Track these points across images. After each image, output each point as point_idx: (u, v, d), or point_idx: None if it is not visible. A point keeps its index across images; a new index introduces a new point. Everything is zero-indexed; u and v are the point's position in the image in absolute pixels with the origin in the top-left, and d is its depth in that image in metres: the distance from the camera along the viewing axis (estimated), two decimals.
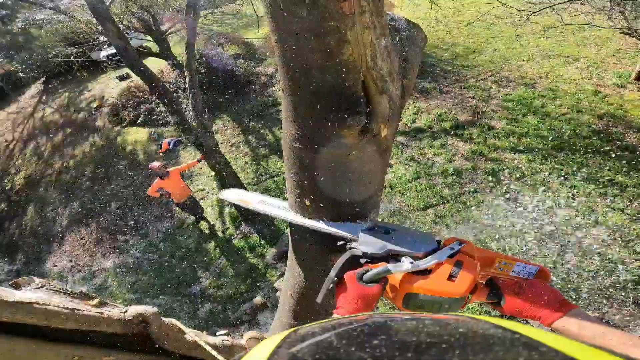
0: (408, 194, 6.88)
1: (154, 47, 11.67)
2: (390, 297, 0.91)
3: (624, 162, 6.52)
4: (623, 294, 4.79)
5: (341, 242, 1.15)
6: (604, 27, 7.96)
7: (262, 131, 9.94)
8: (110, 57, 14.90)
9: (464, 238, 0.95)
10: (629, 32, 7.76)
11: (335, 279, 0.89)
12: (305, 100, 0.97)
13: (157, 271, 7.42)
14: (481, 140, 7.52)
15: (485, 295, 0.91)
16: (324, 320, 0.61)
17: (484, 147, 7.35)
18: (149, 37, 11.28)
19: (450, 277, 0.83)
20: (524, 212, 6.01)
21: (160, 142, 10.55)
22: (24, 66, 14.76)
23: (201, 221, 7.90)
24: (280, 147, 9.06)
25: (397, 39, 0.98)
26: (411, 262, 0.85)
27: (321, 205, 1.19)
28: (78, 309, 1.15)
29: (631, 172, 6.31)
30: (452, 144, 7.65)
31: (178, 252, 7.63)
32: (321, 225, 1.17)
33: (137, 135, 11.32)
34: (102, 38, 11.53)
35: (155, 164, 6.66)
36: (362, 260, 0.95)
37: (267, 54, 12.25)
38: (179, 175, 7.02)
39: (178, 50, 11.76)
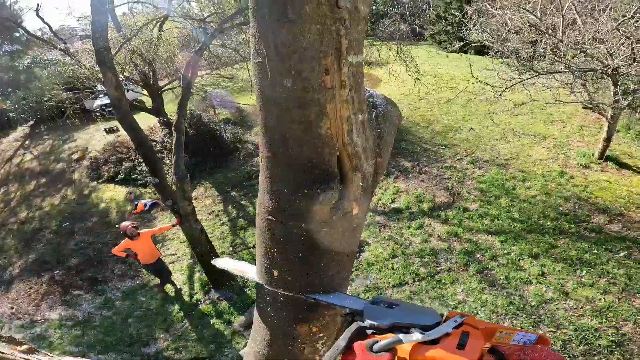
0: (384, 272, 6.83)
1: (148, 103, 11.89)
2: None
3: (592, 242, 6.78)
4: (598, 359, 4.91)
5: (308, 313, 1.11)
6: (568, 102, 8.68)
7: (242, 202, 9.88)
8: (103, 107, 14.96)
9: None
10: (591, 106, 8.44)
11: (344, 348, 0.90)
12: (281, 172, 0.97)
13: (108, 328, 6.87)
14: (456, 222, 7.72)
15: None
16: None
17: (459, 228, 7.53)
18: (144, 92, 11.53)
19: (460, 346, 0.84)
20: (497, 289, 6.12)
21: (136, 203, 10.30)
22: (16, 106, 14.66)
23: (167, 284, 7.49)
24: None
25: (374, 115, 1.03)
26: (421, 333, 0.87)
27: (289, 277, 1.16)
28: (3, 353, 1.05)
29: (599, 251, 6.56)
30: (428, 225, 7.81)
31: (137, 312, 7.13)
32: (324, 298, 1.16)
33: (113, 192, 11.07)
34: (99, 87, 11.75)
35: (126, 224, 6.47)
36: (369, 332, 0.96)
37: (257, 121, 12.60)
38: (150, 238, 6.79)
39: (171, 108, 11.90)
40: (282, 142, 0.92)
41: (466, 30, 10.51)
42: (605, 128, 8.48)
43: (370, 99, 1.03)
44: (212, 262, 1.76)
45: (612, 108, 7.87)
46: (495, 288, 6.14)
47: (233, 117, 13.21)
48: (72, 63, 9.65)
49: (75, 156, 13.03)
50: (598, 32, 7.37)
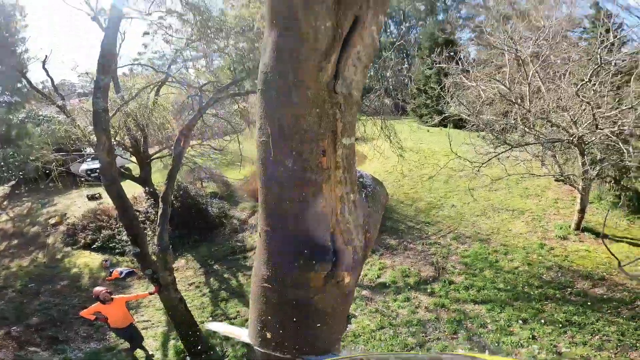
0: (372, 342, 6.62)
1: (135, 170, 11.66)
2: None
3: (578, 305, 6.86)
4: None
5: None
6: (540, 176, 9.08)
7: (225, 275, 9.63)
8: (89, 172, 14.66)
9: None
10: (562, 178, 8.74)
11: None
12: (279, 245, 1.06)
13: None
14: (443, 293, 7.70)
15: None
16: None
17: (445, 299, 7.49)
18: (132, 159, 11.31)
19: None
20: (489, 353, 5.97)
21: (112, 270, 9.91)
22: (2, 163, 14.07)
23: (137, 349, 6.99)
24: (242, 291, 8.70)
25: (364, 194, 1.14)
26: None
27: (283, 339, 1.19)
28: None
29: (587, 312, 6.62)
30: (415, 298, 7.75)
31: None
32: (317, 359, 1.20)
33: (88, 259, 10.63)
34: (89, 150, 11.50)
35: (100, 289, 6.24)
36: None
37: (245, 196, 12.53)
38: (124, 303, 6.51)
39: (157, 177, 11.88)
40: (281, 218, 1.02)
41: (444, 103, 11.19)
42: (579, 200, 8.85)
43: (361, 179, 1.15)
44: (205, 324, 1.77)
45: (582, 179, 8.23)
46: (486, 353, 6.00)
47: (220, 191, 13.08)
48: (66, 122, 9.31)
49: (52, 221, 12.63)
50: (561, 99, 7.87)
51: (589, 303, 6.87)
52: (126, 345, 7.07)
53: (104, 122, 5.13)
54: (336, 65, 0.93)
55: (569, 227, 9.23)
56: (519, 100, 8.40)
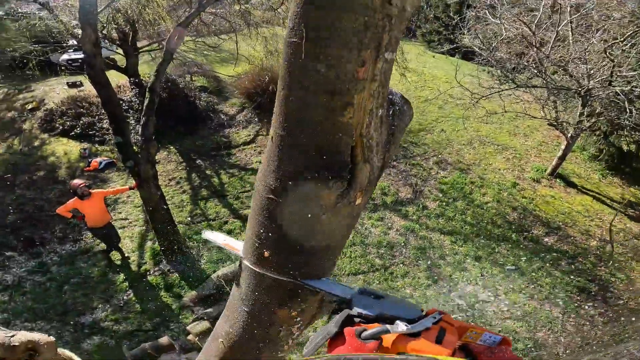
0: (342, 259, 7.03)
1: (121, 61, 11.16)
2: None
3: (528, 251, 7.50)
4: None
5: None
6: (536, 117, 9.29)
7: (207, 171, 9.61)
8: (70, 62, 14.18)
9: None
10: (555, 124, 9.01)
11: (335, 334, 0.96)
12: (293, 153, 0.96)
13: (40, 294, 6.54)
14: (415, 218, 8.07)
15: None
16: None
17: (416, 224, 7.90)
18: (118, 50, 10.89)
19: (437, 341, 0.91)
20: (441, 286, 6.63)
21: (90, 160, 9.69)
22: None
23: (114, 251, 7.18)
24: (223, 191, 8.82)
25: (391, 112, 1.04)
26: (406, 325, 0.92)
27: (281, 259, 1.16)
28: None
29: (532, 260, 7.28)
30: (389, 218, 8.10)
31: (74, 279, 6.83)
32: (317, 284, 1.21)
33: (66, 147, 10.34)
34: (71, 41, 10.99)
35: (77, 182, 6.13)
36: (357, 320, 1.02)
37: (236, 92, 12.17)
38: (102, 199, 6.47)
39: (144, 69, 11.51)
40: (301, 124, 0.91)
41: (460, 34, 10.72)
42: (563, 146, 9.09)
43: (390, 96, 1.03)
44: (202, 234, 1.74)
45: (575, 128, 8.43)
46: (439, 285, 6.59)
47: (210, 85, 12.70)
48: (48, 17, 8.96)
49: (29, 106, 11.98)
50: (585, 52, 7.76)
51: (537, 250, 7.46)
52: (102, 246, 7.19)
53: (90, 15, 4.93)
54: None
55: (545, 170, 9.58)
56: (538, 44, 8.14)
